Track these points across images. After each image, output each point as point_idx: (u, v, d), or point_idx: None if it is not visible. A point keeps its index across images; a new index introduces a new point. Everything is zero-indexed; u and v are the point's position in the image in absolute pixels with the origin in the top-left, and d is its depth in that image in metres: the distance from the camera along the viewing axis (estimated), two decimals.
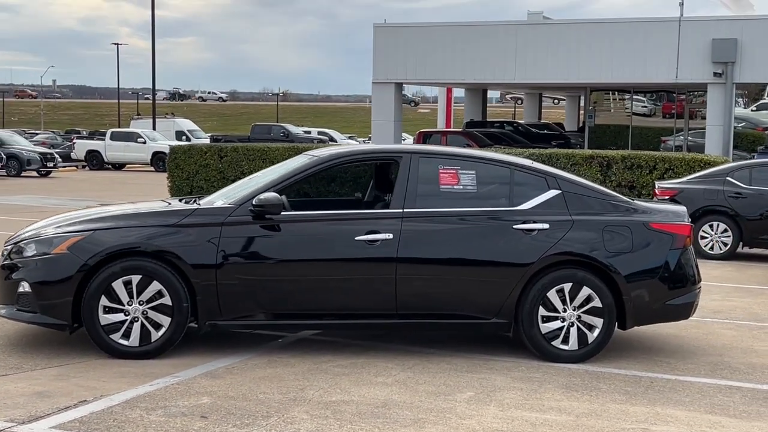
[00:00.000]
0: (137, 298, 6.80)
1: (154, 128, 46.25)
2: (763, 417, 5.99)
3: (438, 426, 5.53)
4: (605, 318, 7.23)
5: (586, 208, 7.41)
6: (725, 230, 14.51)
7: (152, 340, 6.84)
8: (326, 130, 57.06)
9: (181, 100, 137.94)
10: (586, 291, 7.21)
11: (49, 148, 40.34)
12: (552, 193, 7.40)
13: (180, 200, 7.80)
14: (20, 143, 36.95)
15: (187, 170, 21.02)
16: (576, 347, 7.22)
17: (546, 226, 7.24)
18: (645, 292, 7.34)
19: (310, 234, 7.09)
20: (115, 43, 74.51)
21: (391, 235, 7.05)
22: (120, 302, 6.79)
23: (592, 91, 36.05)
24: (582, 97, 41.85)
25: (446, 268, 7.17)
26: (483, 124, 37.72)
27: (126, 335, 6.81)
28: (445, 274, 7.17)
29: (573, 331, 7.22)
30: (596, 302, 7.21)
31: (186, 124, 50.81)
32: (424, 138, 32.01)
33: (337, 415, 5.67)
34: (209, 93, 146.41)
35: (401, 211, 7.16)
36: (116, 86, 75.69)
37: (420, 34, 30.88)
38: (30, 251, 6.94)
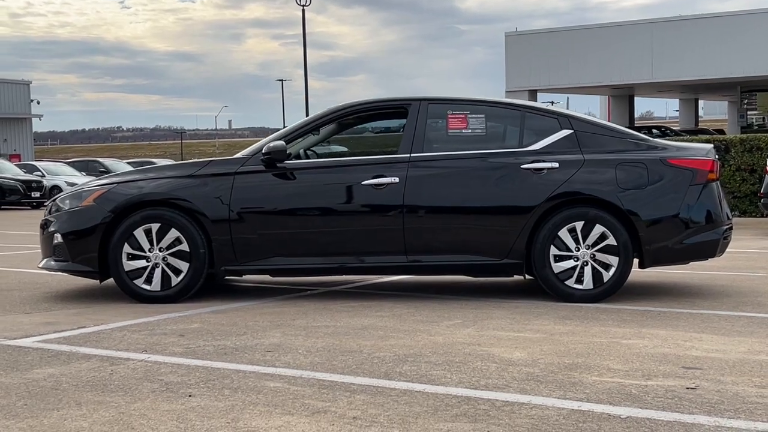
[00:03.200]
0: (157, 245, 7.21)
1: None
2: (754, 335, 5.75)
3: (401, 339, 5.63)
4: (621, 256, 7.10)
5: (599, 146, 7.32)
6: None
7: (173, 285, 7.22)
8: None
9: None
10: (599, 229, 7.11)
11: None
12: (564, 132, 7.36)
13: None
14: None
15: None
16: (591, 286, 7.12)
17: (556, 165, 7.20)
18: (662, 229, 7.16)
19: (319, 180, 7.33)
20: (279, 80, 77.53)
21: (396, 179, 7.19)
22: (141, 249, 7.21)
23: (748, 93, 34.67)
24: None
25: (453, 210, 7.23)
26: None
27: (148, 280, 7.23)
28: (453, 216, 7.23)
29: (587, 270, 7.12)
30: (611, 240, 7.10)
31: None
32: None
33: (309, 333, 5.86)
34: None
35: (408, 156, 7.29)
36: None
37: (552, 39, 30.71)
38: (65, 206, 7.49)
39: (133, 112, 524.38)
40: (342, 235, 7.26)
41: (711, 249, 7.33)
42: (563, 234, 7.13)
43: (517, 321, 6.31)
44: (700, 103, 50.38)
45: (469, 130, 7.43)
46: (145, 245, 7.22)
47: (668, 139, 11.12)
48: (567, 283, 7.14)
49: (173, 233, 7.20)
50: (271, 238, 7.24)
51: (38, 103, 58.45)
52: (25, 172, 31.18)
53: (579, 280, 7.14)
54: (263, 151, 7.28)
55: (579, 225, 7.12)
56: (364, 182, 7.22)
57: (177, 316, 6.57)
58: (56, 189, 31.34)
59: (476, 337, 5.70)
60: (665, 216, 7.17)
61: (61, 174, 32.62)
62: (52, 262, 7.51)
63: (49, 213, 7.63)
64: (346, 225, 7.27)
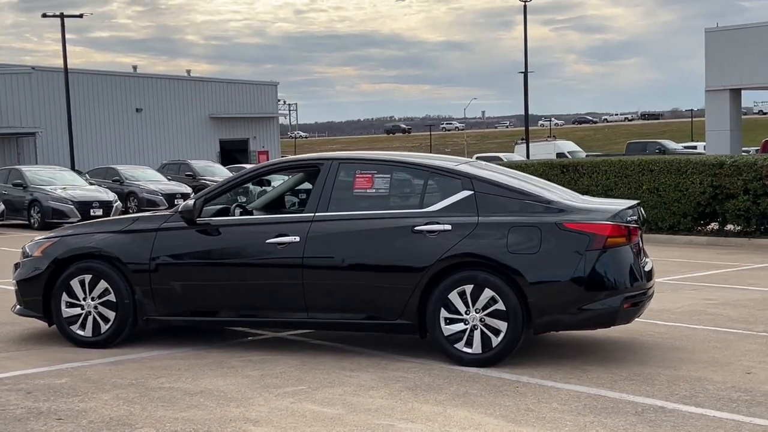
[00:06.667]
0: (90, 294, 7.87)
1: (527, 152, 47.45)
2: (550, 424, 5.55)
3: (201, 411, 5.92)
4: (510, 321, 6.96)
5: (497, 208, 7.18)
6: None
7: (102, 332, 7.86)
8: None
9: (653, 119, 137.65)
10: (488, 293, 7.00)
11: None
12: (464, 194, 7.28)
13: None
14: None
15: None
16: (480, 351, 7.03)
17: (448, 227, 7.15)
18: (554, 295, 6.94)
19: (230, 238, 7.70)
20: (521, 72, 76.94)
21: (297, 238, 7.42)
22: (77, 298, 7.90)
23: None
24: None
25: (349, 269, 7.36)
26: None
27: (82, 326, 7.91)
28: (349, 275, 7.36)
29: (477, 334, 7.04)
30: (500, 305, 6.97)
31: (567, 146, 51.51)
32: None
33: (142, 397, 6.26)
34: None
35: (312, 215, 7.50)
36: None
37: (754, 35, 28.84)
38: (27, 253, 8.32)
39: (405, 102, 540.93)
40: (249, 291, 7.59)
41: (608, 318, 7.01)
42: (453, 297, 7.08)
43: (359, 388, 6.41)
44: None
45: (374, 190, 7.52)
46: (80, 294, 7.89)
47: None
48: (456, 346, 7.09)
49: (102, 284, 7.83)
50: (186, 291, 7.70)
51: (284, 102, 61.96)
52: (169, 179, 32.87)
53: (468, 344, 7.07)
54: (179, 210, 7.75)
55: (468, 288, 7.05)
56: (268, 240, 7.50)
57: (69, 367, 7.18)
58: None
59: (273, 412, 5.89)
60: (556, 281, 6.95)
61: (211, 176, 34.29)
62: (17, 306, 8.37)
63: (20, 257, 8.49)
64: (253, 280, 7.59)
